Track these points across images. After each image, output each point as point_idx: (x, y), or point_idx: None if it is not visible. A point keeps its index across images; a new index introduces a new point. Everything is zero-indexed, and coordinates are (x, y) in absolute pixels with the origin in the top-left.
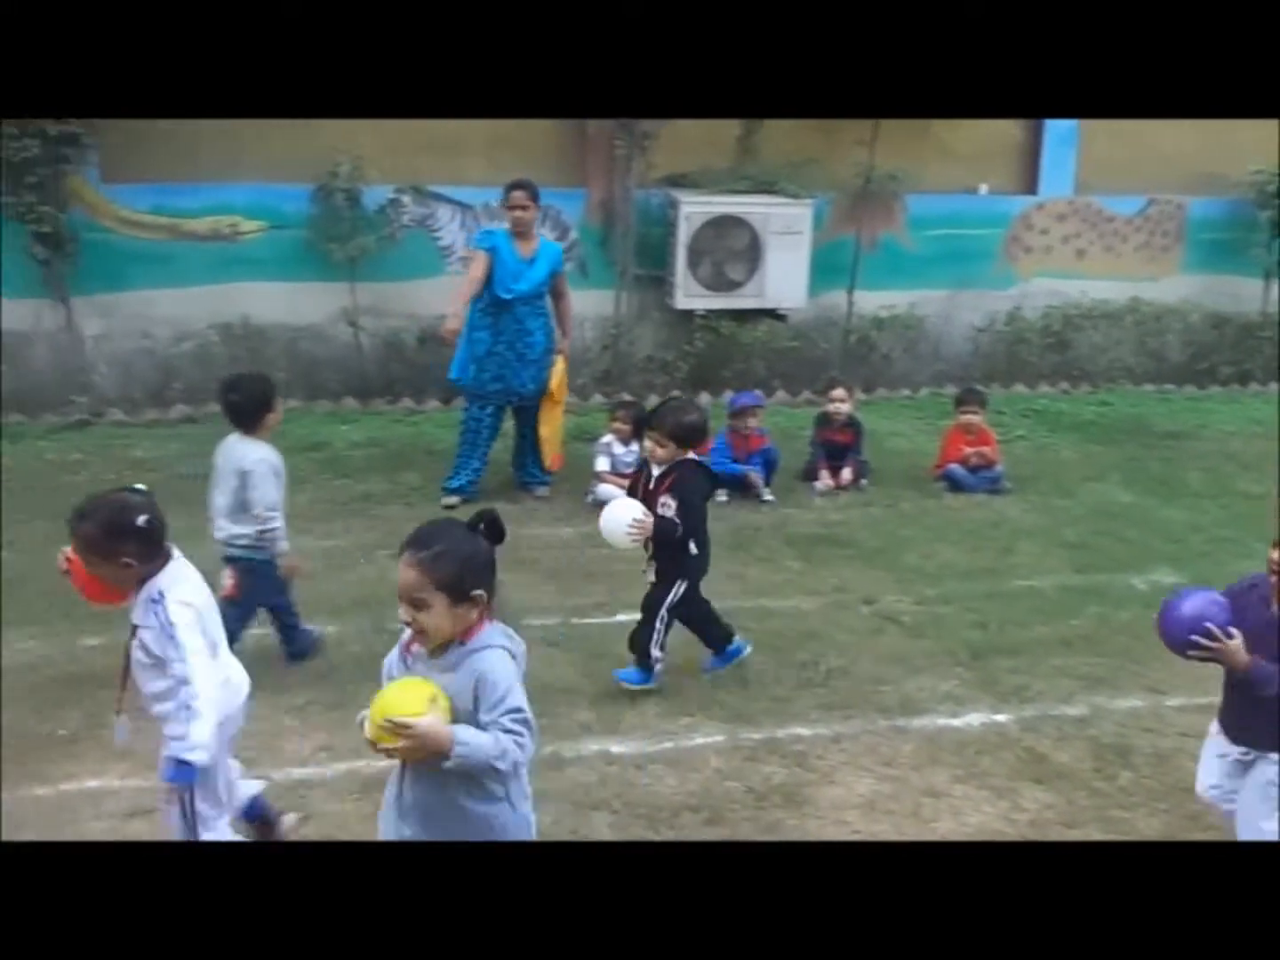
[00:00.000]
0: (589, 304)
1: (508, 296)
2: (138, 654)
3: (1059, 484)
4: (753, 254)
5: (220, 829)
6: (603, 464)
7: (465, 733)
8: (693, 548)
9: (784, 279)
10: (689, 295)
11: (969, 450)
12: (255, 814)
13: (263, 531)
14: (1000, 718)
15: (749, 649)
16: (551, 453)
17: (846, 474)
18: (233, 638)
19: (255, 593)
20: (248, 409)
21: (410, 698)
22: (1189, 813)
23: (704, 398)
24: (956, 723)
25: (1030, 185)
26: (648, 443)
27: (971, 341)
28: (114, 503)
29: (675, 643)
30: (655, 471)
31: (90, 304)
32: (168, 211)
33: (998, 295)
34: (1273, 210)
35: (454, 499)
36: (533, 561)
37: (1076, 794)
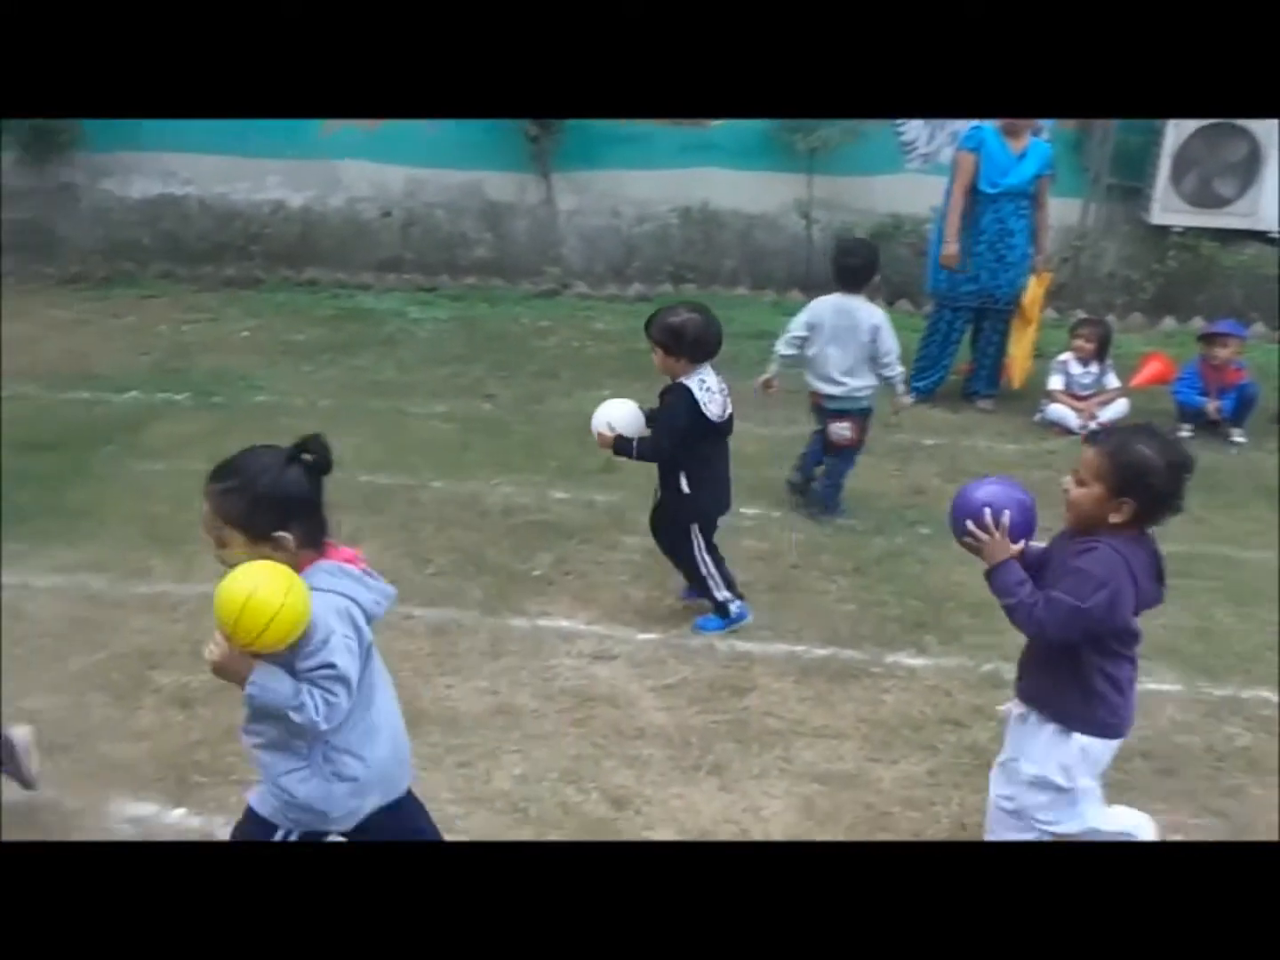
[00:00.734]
0: (1053, 212)
1: (993, 191)
2: None
3: None
4: (1249, 168)
5: None
6: (1056, 382)
7: (264, 673)
8: (684, 485)
9: None
10: (1167, 210)
11: None
12: None
13: (888, 379)
14: None
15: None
16: (1019, 372)
17: None
18: (839, 486)
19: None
20: (862, 271)
21: (260, 587)
22: None
23: (1168, 322)
24: None
25: None
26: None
27: None
28: None
29: None
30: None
31: (567, 180)
32: None
33: None
34: None
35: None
36: (974, 476)
37: None
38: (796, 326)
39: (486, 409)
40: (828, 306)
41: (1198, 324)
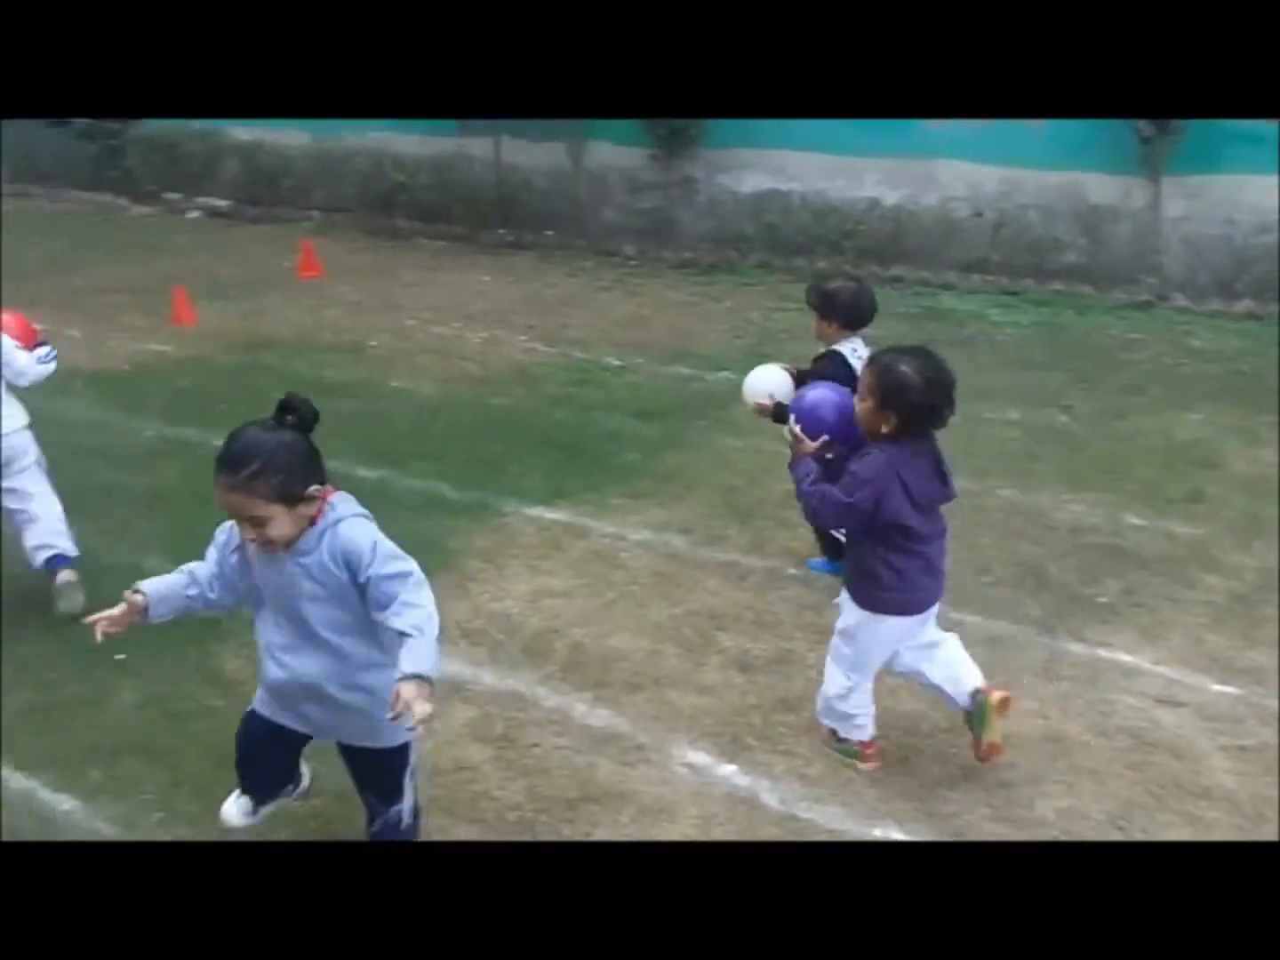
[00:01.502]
0: None
1: None
2: None
3: None
4: None
5: None
6: None
7: (412, 657)
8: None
9: None
10: None
11: None
12: None
13: None
14: None
15: None
16: None
17: None
18: None
19: None
20: None
21: None
22: None
23: None
24: None
25: None
26: None
27: None
28: None
29: None
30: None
31: (1178, 184)
32: None
33: None
34: None
35: None
36: None
37: None
38: None
39: (1063, 420)
40: None
41: None
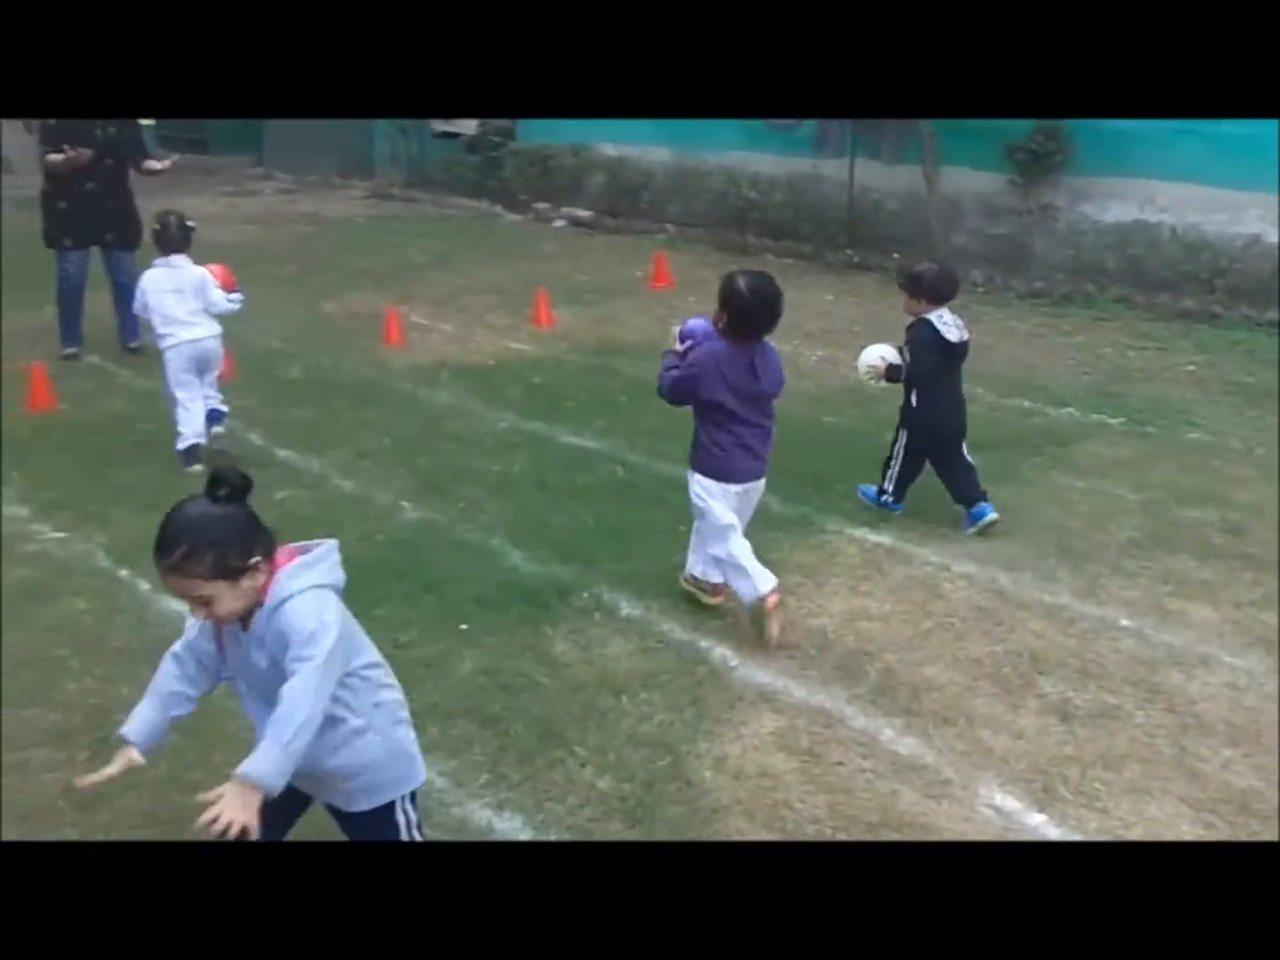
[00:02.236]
0: None
1: None
2: None
3: None
4: None
5: None
6: None
7: (253, 757)
8: (913, 400)
9: None
10: None
11: None
12: None
13: None
14: None
15: (993, 514)
16: None
17: None
18: None
19: None
20: None
21: None
22: None
23: None
24: None
25: None
26: None
27: None
28: None
29: None
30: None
31: None
32: None
33: None
34: None
35: None
36: None
37: None
38: None
39: None
40: None
41: None
